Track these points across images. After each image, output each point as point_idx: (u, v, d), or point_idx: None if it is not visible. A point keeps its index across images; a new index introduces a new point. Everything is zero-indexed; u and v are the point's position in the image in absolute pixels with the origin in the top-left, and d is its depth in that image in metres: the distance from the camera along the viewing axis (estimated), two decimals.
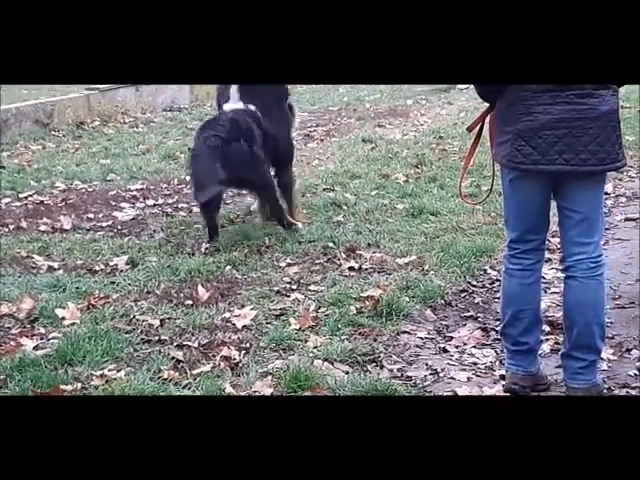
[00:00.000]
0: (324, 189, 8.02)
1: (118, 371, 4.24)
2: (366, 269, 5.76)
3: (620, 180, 8.29)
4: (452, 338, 4.79)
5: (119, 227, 7.02)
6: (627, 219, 7.03)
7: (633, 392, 4.06)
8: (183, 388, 4.09)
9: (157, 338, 4.67)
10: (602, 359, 4.19)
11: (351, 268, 5.76)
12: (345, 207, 7.33)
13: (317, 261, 5.96)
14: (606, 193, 7.43)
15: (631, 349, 4.54)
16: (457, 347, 4.67)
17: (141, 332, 4.74)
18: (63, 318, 4.87)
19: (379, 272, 5.70)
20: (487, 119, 4.00)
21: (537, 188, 3.81)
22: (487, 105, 3.99)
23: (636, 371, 4.28)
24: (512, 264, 3.97)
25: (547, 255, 5.45)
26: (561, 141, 3.64)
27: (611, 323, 4.77)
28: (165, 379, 4.16)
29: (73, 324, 4.79)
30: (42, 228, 6.93)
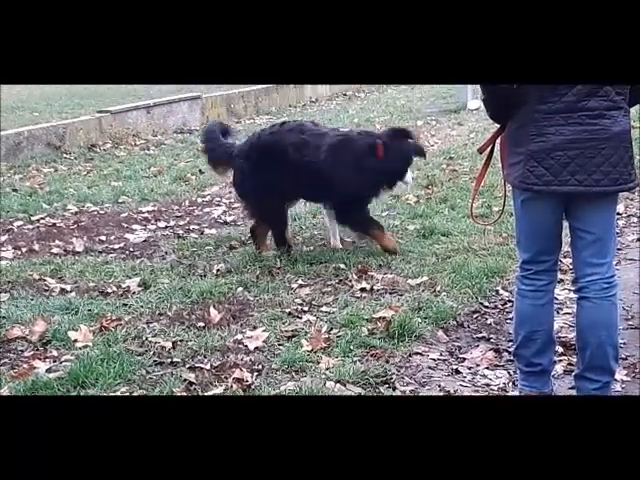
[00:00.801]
0: None
1: (130, 394, 4.24)
2: (378, 290, 5.75)
3: (631, 200, 8.26)
4: (464, 359, 4.78)
5: (131, 249, 7.03)
6: (639, 239, 7.01)
7: None
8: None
9: (169, 360, 4.67)
10: (616, 380, 4.18)
11: (363, 289, 5.76)
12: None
13: (329, 282, 5.96)
14: (618, 213, 7.42)
15: None
16: (470, 368, 4.66)
17: (153, 354, 4.74)
18: (75, 340, 4.88)
19: (391, 293, 5.69)
20: (498, 140, 4.01)
21: (549, 209, 3.81)
22: (498, 126, 3.99)
23: None
24: (525, 285, 3.97)
25: (559, 276, 5.44)
26: (573, 162, 3.64)
27: (624, 344, 4.75)
28: None
29: (85, 346, 4.80)
30: (54, 250, 6.95)
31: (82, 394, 4.22)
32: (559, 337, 4.77)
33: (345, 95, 18.96)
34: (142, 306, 5.50)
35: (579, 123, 3.63)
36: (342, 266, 6.26)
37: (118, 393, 4.22)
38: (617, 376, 4.21)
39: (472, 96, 14.88)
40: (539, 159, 3.69)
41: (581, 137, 3.63)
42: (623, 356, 4.58)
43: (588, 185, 3.66)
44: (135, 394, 4.22)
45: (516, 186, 3.84)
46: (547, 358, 4.02)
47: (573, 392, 4.08)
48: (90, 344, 4.83)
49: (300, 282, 5.96)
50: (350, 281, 5.94)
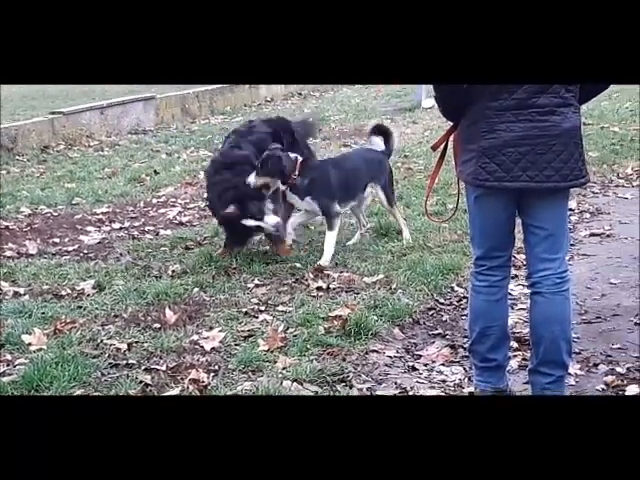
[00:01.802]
0: None
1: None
2: (334, 289, 5.76)
3: (584, 196, 8.37)
4: (421, 356, 4.80)
5: (85, 251, 6.97)
6: (592, 235, 7.10)
7: None
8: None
9: (125, 362, 4.64)
10: (569, 374, 4.22)
11: (319, 288, 5.76)
12: (312, 227, 7.34)
13: (285, 282, 5.96)
14: (570, 209, 7.54)
15: (598, 364, 4.57)
16: (426, 365, 4.69)
17: (108, 356, 4.71)
18: (29, 344, 4.83)
19: (347, 291, 5.71)
20: (451, 138, 4.03)
21: (501, 205, 3.84)
22: (451, 124, 4.02)
23: (603, 386, 4.31)
24: (479, 281, 4.00)
25: (514, 272, 5.50)
26: (524, 158, 3.67)
27: (578, 338, 4.81)
28: None
29: (40, 350, 4.75)
30: (7, 254, 6.87)
31: None
32: (513, 332, 4.81)
33: (300, 94, 18.96)
34: (97, 308, 5.46)
35: (529, 120, 3.66)
36: (298, 265, 6.26)
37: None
38: (571, 370, 4.26)
39: (426, 95, 14.96)
40: (491, 155, 3.71)
41: (532, 134, 3.66)
42: (577, 350, 4.63)
43: (539, 181, 3.69)
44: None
45: (469, 183, 3.86)
46: (502, 353, 4.05)
47: (528, 387, 4.11)
48: (44, 347, 4.78)
49: (256, 282, 5.96)
50: (306, 280, 5.94)
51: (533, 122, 3.66)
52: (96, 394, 4.24)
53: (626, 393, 4.19)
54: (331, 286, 5.79)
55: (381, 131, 7.05)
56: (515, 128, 3.67)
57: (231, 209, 6.25)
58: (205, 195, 6.93)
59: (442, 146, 4.11)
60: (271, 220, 6.32)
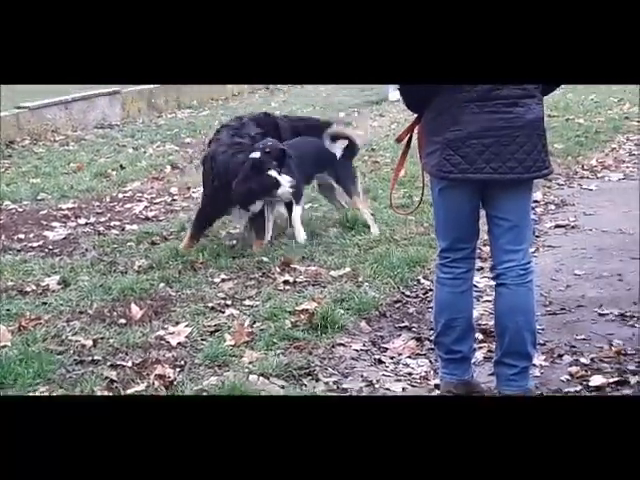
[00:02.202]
0: None
1: (50, 393, 4.18)
2: (301, 283, 5.76)
3: (549, 188, 8.42)
4: (387, 349, 4.81)
5: (50, 247, 6.91)
6: (557, 226, 7.15)
7: None
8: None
9: (90, 358, 4.61)
10: (534, 365, 4.26)
11: (286, 282, 5.76)
12: (278, 221, 7.32)
13: (252, 276, 5.95)
14: (536, 201, 7.60)
15: (562, 355, 4.61)
16: (392, 358, 4.70)
17: (73, 353, 4.68)
18: None
19: (314, 285, 5.71)
20: (415, 130, 4.04)
21: (465, 197, 3.86)
22: (415, 116, 4.02)
23: (568, 376, 4.34)
24: (443, 273, 4.01)
25: (479, 264, 5.53)
26: (488, 150, 3.69)
27: (542, 329, 4.85)
28: None
29: (4, 347, 4.71)
30: None
31: (1, 394, 4.14)
32: (479, 324, 4.84)
33: (267, 88, 18.87)
34: (62, 304, 5.42)
35: (494, 111, 3.67)
36: (265, 259, 6.24)
37: (37, 393, 4.16)
38: (535, 361, 4.29)
39: (393, 88, 14.95)
40: (455, 147, 3.73)
41: (496, 125, 3.68)
42: (541, 341, 4.66)
43: (503, 172, 3.71)
44: (54, 393, 4.16)
45: (433, 175, 3.87)
46: (467, 345, 4.07)
47: (493, 379, 4.13)
48: (9, 344, 4.74)
49: (223, 276, 5.94)
50: (273, 274, 5.94)
51: (497, 114, 3.67)
52: (61, 391, 4.21)
53: (590, 384, 4.23)
54: (298, 280, 5.79)
55: (338, 137, 7.03)
56: (479, 120, 3.68)
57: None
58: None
59: (406, 139, 4.11)
60: (287, 178, 6.45)
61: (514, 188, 3.81)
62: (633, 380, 4.25)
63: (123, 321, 5.10)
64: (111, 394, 4.17)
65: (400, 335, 4.98)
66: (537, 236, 6.81)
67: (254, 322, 5.08)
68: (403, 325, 5.14)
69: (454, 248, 3.97)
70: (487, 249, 5.40)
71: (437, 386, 4.22)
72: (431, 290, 5.37)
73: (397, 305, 5.44)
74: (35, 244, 6.98)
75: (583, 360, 4.51)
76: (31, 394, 4.13)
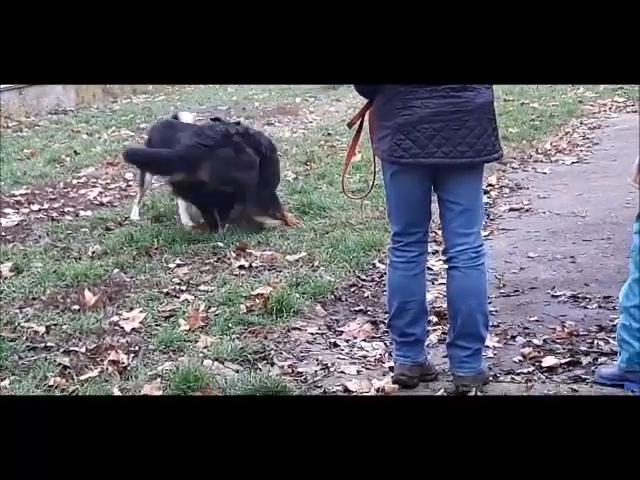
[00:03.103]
0: None
1: (2, 380, 4.14)
2: (256, 267, 5.75)
3: (504, 172, 8.49)
4: (342, 332, 4.83)
5: (3, 233, 6.83)
6: (511, 209, 7.21)
7: (518, 378, 4.15)
8: (70, 394, 4.02)
9: (43, 345, 4.57)
10: (487, 347, 4.29)
11: (241, 267, 5.75)
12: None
13: (207, 261, 5.94)
14: (490, 184, 7.67)
15: (515, 336, 4.65)
16: (347, 341, 4.71)
17: (26, 339, 4.64)
18: None
19: (269, 270, 5.71)
20: (367, 115, 4.04)
21: (416, 181, 3.87)
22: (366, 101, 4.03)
23: (520, 357, 4.38)
24: (396, 257, 4.02)
25: (434, 247, 5.59)
26: (439, 134, 3.70)
27: (496, 311, 4.89)
28: (51, 386, 4.08)
29: None
30: None
31: None
32: (434, 307, 4.87)
33: None
34: (14, 291, 5.37)
35: (443, 96, 3.68)
36: (221, 244, 6.23)
37: None
38: (489, 343, 4.33)
39: None
40: (405, 132, 3.73)
41: (445, 110, 3.69)
42: (495, 323, 4.71)
43: (454, 157, 3.73)
44: (7, 380, 4.12)
45: (384, 159, 3.88)
46: (420, 328, 4.09)
47: (447, 360, 4.16)
48: None
49: (178, 262, 5.92)
50: (229, 259, 5.93)
51: (447, 98, 3.68)
52: (13, 377, 4.17)
53: (543, 364, 4.27)
54: (253, 265, 5.78)
55: None
56: (429, 104, 3.69)
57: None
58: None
59: (358, 123, 4.11)
60: None
61: (465, 172, 3.83)
62: (585, 361, 4.30)
63: (77, 307, 5.07)
64: (65, 380, 4.14)
65: (355, 319, 5.00)
66: (491, 219, 6.87)
67: (209, 307, 5.06)
68: (358, 309, 5.16)
69: (406, 232, 3.98)
70: (441, 232, 5.47)
71: (391, 368, 4.23)
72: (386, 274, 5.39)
73: (353, 289, 5.45)
74: None
75: (536, 341, 4.55)
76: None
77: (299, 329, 4.83)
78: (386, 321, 4.42)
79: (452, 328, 4.01)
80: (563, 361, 4.29)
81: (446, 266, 4.10)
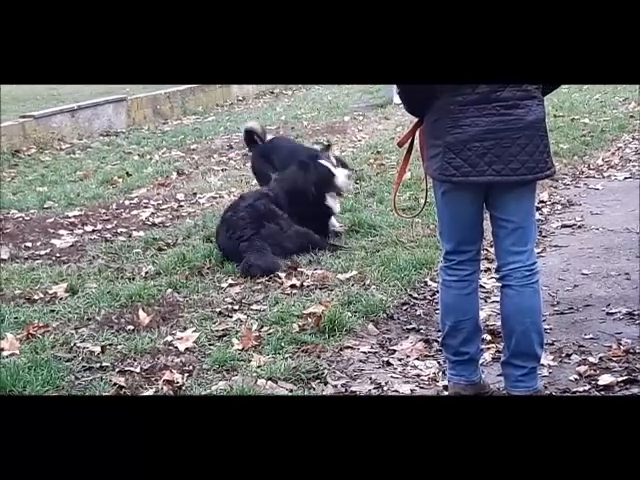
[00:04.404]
0: None
1: None
2: (308, 286, 5.76)
3: (555, 188, 8.41)
4: (395, 351, 4.81)
5: (57, 254, 6.93)
6: (563, 226, 7.14)
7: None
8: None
9: (98, 365, 4.63)
10: (542, 365, 4.25)
11: (293, 286, 5.76)
12: None
13: (258, 280, 5.95)
14: (542, 201, 7.61)
15: (571, 354, 4.60)
16: (400, 360, 4.70)
17: (82, 359, 4.70)
18: (2, 349, 4.80)
19: (321, 289, 5.71)
20: (417, 133, 4.04)
21: (468, 199, 3.85)
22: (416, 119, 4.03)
23: (576, 376, 4.34)
24: (448, 275, 4.01)
25: (486, 265, 5.55)
26: (490, 152, 3.69)
27: (550, 329, 4.85)
28: None
29: (12, 354, 4.73)
30: None
31: None
32: (487, 325, 4.84)
33: (272, 93, 18.94)
34: (70, 312, 5.43)
35: (493, 114, 3.67)
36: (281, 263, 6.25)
37: None
38: (544, 361, 4.29)
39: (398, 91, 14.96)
40: (456, 151, 3.72)
41: (496, 127, 3.67)
42: (549, 341, 4.66)
43: (506, 175, 3.71)
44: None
45: (436, 178, 3.87)
46: (474, 346, 4.06)
47: (501, 379, 4.13)
48: (17, 352, 4.76)
49: (230, 281, 5.95)
50: (280, 278, 5.94)
51: (497, 116, 3.67)
52: None
53: (599, 382, 4.22)
54: (305, 284, 5.79)
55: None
56: (480, 122, 3.68)
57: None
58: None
59: (408, 142, 4.11)
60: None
61: (517, 189, 3.81)
62: None
63: (131, 327, 5.12)
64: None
65: (408, 337, 4.98)
66: (544, 236, 6.80)
67: (262, 326, 5.08)
68: (411, 327, 5.14)
69: (458, 250, 3.97)
70: (493, 250, 5.44)
71: (445, 387, 4.21)
72: (438, 292, 5.37)
73: (404, 307, 5.44)
74: (42, 252, 7.00)
75: (591, 359, 4.50)
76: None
77: (352, 348, 4.82)
78: (439, 339, 4.41)
79: (507, 347, 3.98)
80: (620, 379, 4.24)
81: (499, 284, 4.07)
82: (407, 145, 4.12)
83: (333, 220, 7.07)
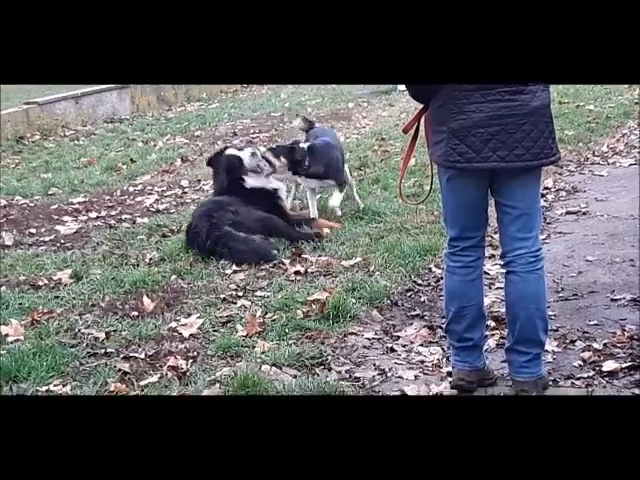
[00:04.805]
0: None
1: (64, 386, 4.21)
2: (312, 273, 5.76)
3: (560, 175, 8.40)
4: (399, 337, 4.82)
5: (62, 241, 6.94)
6: (568, 213, 7.13)
7: (578, 383, 4.11)
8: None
9: (103, 351, 4.63)
10: (546, 351, 4.25)
11: (297, 272, 5.76)
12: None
13: (263, 267, 5.95)
14: (547, 187, 7.60)
15: (575, 340, 4.60)
16: (404, 346, 4.70)
17: (86, 346, 4.70)
18: (7, 335, 4.81)
19: (325, 275, 5.71)
20: (422, 120, 4.03)
21: (473, 185, 3.85)
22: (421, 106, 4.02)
23: (580, 362, 4.34)
24: (453, 262, 4.00)
25: (491, 251, 5.54)
26: (494, 138, 3.68)
27: (555, 316, 4.84)
28: (112, 392, 4.13)
29: (17, 340, 4.74)
30: None
31: (14, 389, 4.16)
32: (491, 312, 4.84)
33: None
34: (74, 298, 5.44)
35: (498, 100, 3.65)
36: (274, 251, 6.25)
37: (51, 386, 4.18)
38: (548, 347, 4.29)
39: None
40: (461, 137, 3.71)
41: (501, 113, 3.66)
42: (554, 327, 4.66)
43: (510, 161, 3.70)
44: (68, 386, 4.18)
45: (440, 164, 3.86)
46: (478, 333, 4.06)
47: (505, 365, 4.13)
48: (22, 338, 4.77)
49: (234, 268, 5.95)
50: (284, 265, 5.94)
51: (502, 102, 3.66)
52: (74, 383, 4.23)
53: (603, 369, 4.22)
54: (309, 270, 5.79)
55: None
56: (484, 108, 3.66)
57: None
58: None
59: (413, 129, 4.10)
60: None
61: (522, 175, 3.80)
62: None
63: (135, 313, 5.13)
64: (125, 386, 4.19)
65: (412, 323, 4.98)
66: (548, 223, 6.80)
67: (266, 313, 5.09)
68: (415, 313, 5.14)
69: (463, 237, 3.97)
70: (498, 236, 5.43)
71: (449, 374, 4.21)
72: (442, 278, 5.37)
73: (409, 294, 5.44)
74: (47, 238, 7.02)
75: (596, 345, 4.50)
76: (44, 388, 4.16)
77: (356, 334, 4.82)
78: (443, 326, 4.41)
79: (511, 333, 3.99)
80: (624, 365, 4.24)
81: (503, 270, 4.07)
82: (412, 131, 4.11)
83: (332, 202, 7.11)
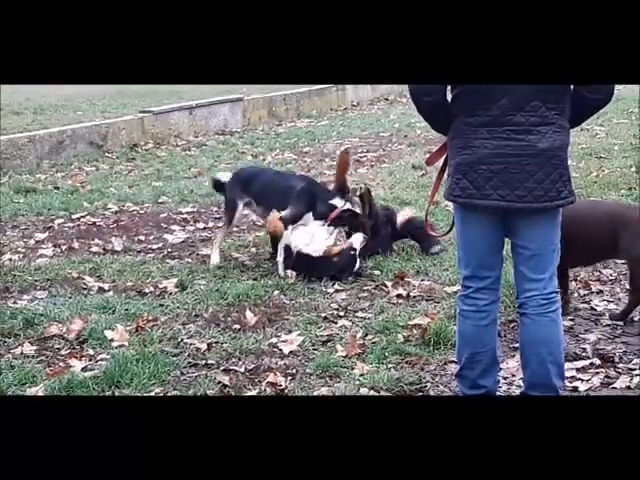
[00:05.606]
0: None
1: (165, 394, 4.26)
2: (414, 297, 5.73)
3: None
4: (500, 369, 4.72)
5: (169, 250, 7.07)
6: None
7: None
8: None
9: (204, 362, 4.69)
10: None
11: (399, 296, 5.74)
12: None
13: (365, 288, 5.95)
14: None
15: None
16: (505, 378, 4.60)
17: (188, 355, 4.77)
18: (112, 340, 4.92)
19: (427, 300, 5.67)
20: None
21: (483, 222, 3.76)
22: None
23: None
24: (466, 305, 3.90)
25: None
26: (496, 176, 3.59)
27: None
28: None
29: (121, 346, 4.84)
30: (94, 249, 7.01)
31: (117, 394, 4.25)
32: None
33: (387, 99, 18.89)
34: (178, 307, 5.53)
35: (504, 137, 3.57)
36: (377, 272, 6.24)
37: (152, 394, 4.25)
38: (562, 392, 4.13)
39: None
40: (464, 172, 3.65)
41: (504, 151, 3.57)
42: None
43: (510, 201, 3.60)
44: (169, 395, 4.24)
45: (445, 198, 3.83)
46: (491, 379, 3.98)
47: None
48: (126, 344, 4.87)
49: (336, 287, 5.96)
50: (386, 287, 5.92)
51: (507, 140, 3.56)
52: (175, 392, 4.29)
53: None
54: (411, 294, 5.76)
55: None
56: (488, 145, 3.58)
57: None
58: None
59: (442, 161, 3.99)
60: None
61: (533, 216, 3.69)
62: None
63: (237, 326, 5.18)
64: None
65: (514, 356, 4.88)
66: None
67: (366, 334, 5.07)
68: (517, 346, 5.03)
69: (476, 275, 3.85)
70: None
71: None
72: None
73: (512, 325, 5.33)
74: (155, 246, 7.16)
75: None
76: (145, 395, 4.23)
77: (456, 362, 4.75)
78: (455, 371, 4.28)
79: (524, 378, 3.94)
80: None
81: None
82: (441, 165, 4.01)
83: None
